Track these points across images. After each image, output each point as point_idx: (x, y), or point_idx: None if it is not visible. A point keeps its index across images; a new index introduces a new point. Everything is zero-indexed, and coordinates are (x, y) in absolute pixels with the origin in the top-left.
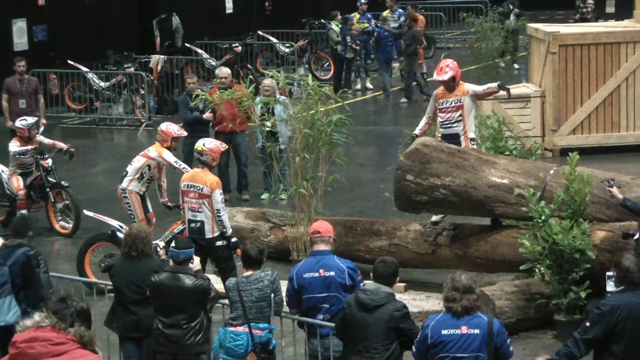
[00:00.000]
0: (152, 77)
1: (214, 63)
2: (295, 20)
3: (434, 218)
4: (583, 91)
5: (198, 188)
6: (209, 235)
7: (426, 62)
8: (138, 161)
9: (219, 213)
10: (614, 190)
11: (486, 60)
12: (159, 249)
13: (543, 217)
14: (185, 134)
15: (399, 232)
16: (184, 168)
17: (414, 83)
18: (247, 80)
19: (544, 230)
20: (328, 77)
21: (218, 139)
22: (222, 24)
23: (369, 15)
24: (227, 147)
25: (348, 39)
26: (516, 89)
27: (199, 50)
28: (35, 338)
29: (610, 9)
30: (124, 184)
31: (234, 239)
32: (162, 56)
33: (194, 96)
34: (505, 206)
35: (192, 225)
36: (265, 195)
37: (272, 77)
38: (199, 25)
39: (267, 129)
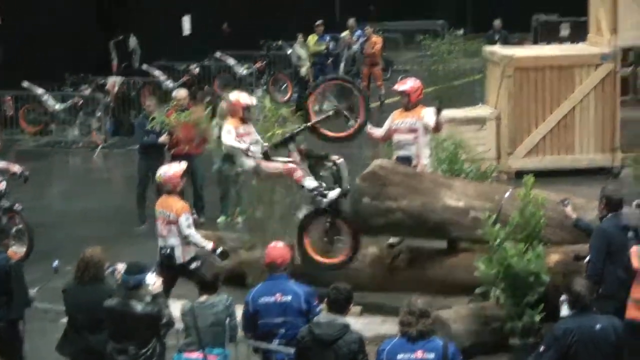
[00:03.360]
0: (108, 99)
1: (171, 85)
2: (253, 42)
3: (391, 240)
4: (538, 114)
5: (166, 215)
6: (179, 261)
7: (384, 84)
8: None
9: (188, 238)
10: (568, 209)
11: (443, 83)
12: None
13: (498, 240)
14: (254, 101)
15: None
16: (233, 147)
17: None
18: (205, 102)
19: (499, 253)
20: (286, 98)
21: (174, 161)
22: (179, 45)
23: (327, 37)
24: (186, 165)
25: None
26: (472, 112)
27: (156, 72)
28: None
29: (564, 32)
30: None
31: (219, 250)
32: (119, 78)
33: (150, 118)
34: (461, 229)
35: (163, 251)
36: (221, 219)
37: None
38: (157, 46)
39: (224, 151)
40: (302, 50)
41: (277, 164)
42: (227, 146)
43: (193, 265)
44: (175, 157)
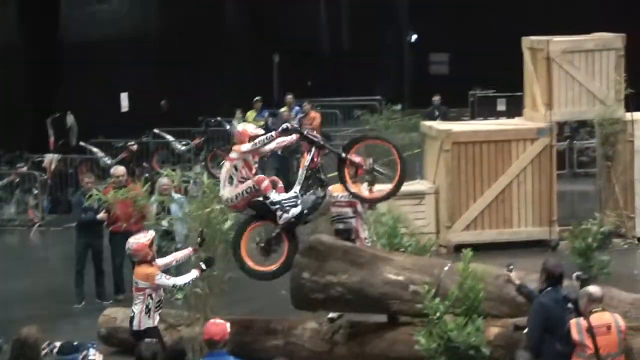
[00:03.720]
0: (45, 177)
1: (109, 162)
2: (192, 118)
3: (331, 315)
4: (476, 188)
5: (135, 282)
6: (135, 327)
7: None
8: (224, 167)
9: (176, 287)
10: (512, 275)
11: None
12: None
13: (438, 314)
14: (261, 132)
15: (296, 330)
16: (264, 138)
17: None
18: (143, 179)
19: (438, 327)
20: None
21: (113, 238)
22: (117, 122)
23: (265, 113)
24: (152, 234)
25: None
26: (410, 186)
27: (94, 149)
28: None
29: (501, 107)
30: (222, 195)
31: (204, 266)
32: (56, 155)
33: (88, 196)
34: (401, 303)
35: (130, 315)
36: None
37: (167, 175)
38: (94, 123)
39: (163, 227)
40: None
41: (249, 182)
42: (258, 140)
43: (148, 340)
44: (114, 234)
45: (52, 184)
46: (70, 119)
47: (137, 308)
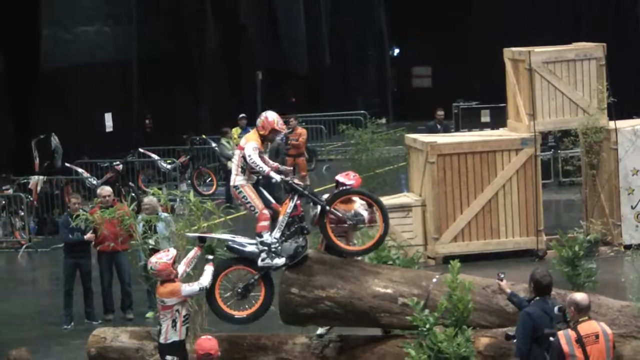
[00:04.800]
0: (31, 198)
1: (94, 182)
2: (176, 137)
3: (320, 331)
4: (462, 199)
5: (161, 301)
6: (162, 341)
7: (308, 175)
8: (235, 155)
9: (203, 289)
10: (503, 283)
11: (367, 171)
12: None
13: (427, 326)
14: (285, 129)
15: (286, 346)
16: (256, 165)
17: None
18: (129, 199)
19: (428, 338)
20: (211, 192)
21: (100, 258)
22: (102, 142)
23: (250, 130)
24: (173, 252)
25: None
26: (397, 199)
27: (79, 170)
28: None
29: (485, 118)
30: (231, 182)
31: (210, 257)
32: (41, 177)
33: (74, 216)
34: (390, 316)
35: (158, 328)
36: (149, 314)
37: (153, 194)
38: (79, 144)
39: (150, 246)
40: (227, 144)
41: (259, 203)
42: (252, 160)
43: (169, 358)
44: (101, 254)
45: (38, 206)
46: (54, 140)
47: (165, 323)
